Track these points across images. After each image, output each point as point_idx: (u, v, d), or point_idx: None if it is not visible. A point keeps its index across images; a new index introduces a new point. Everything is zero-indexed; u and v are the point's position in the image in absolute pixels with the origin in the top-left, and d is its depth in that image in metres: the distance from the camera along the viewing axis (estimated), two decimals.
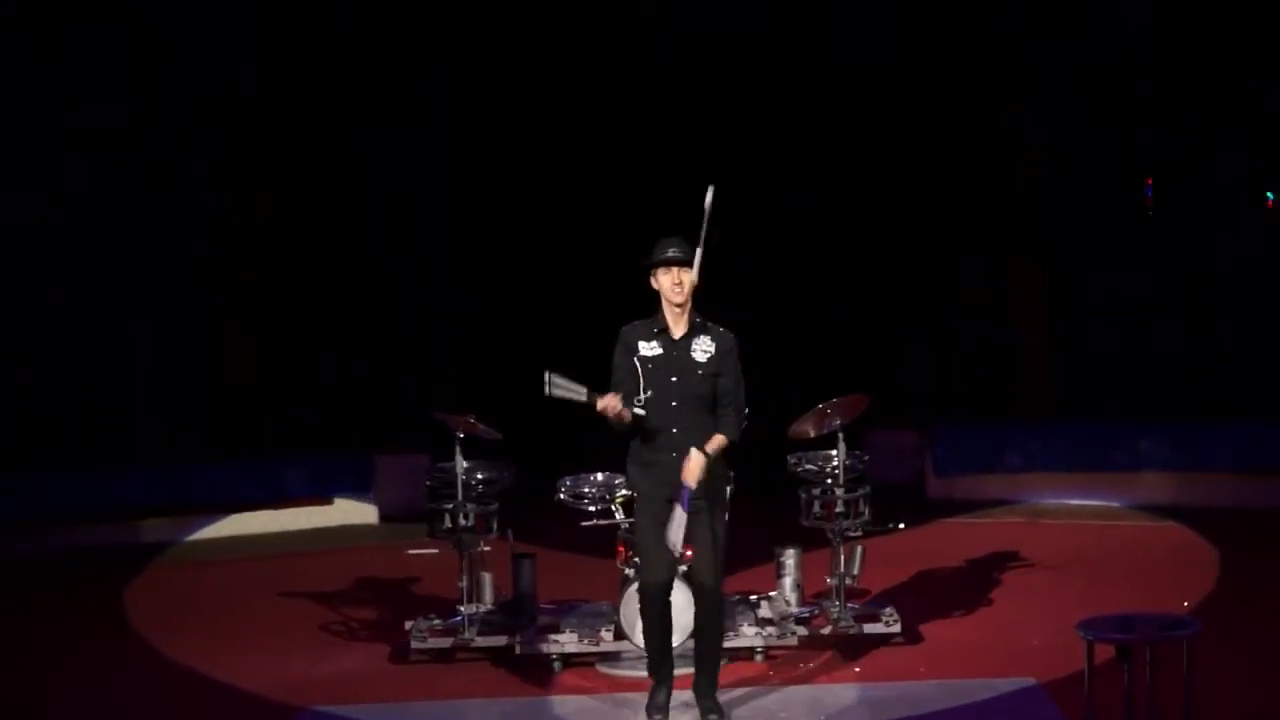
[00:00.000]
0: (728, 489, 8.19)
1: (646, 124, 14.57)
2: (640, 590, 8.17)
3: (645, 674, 8.54)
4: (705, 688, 8.10)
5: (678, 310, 7.97)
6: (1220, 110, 14.02)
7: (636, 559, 8.83)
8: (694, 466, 7.81)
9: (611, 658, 8.99)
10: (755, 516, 8.36)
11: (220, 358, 14.12)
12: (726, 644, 8.75)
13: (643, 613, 8.18)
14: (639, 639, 8.68)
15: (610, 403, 7.78)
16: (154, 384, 13.86)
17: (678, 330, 8.00)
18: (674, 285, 7.93)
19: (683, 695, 8.24)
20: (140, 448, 13.44)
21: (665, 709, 8.15)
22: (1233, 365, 13.95)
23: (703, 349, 7.98)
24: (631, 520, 8.97)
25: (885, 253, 14.68)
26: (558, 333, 13.76)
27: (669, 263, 7.95)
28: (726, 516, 8.11)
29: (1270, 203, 14.13)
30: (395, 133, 14.64)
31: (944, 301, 14.60)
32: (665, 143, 14.35)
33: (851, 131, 14.62)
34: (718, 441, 7.92)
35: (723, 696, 8.20)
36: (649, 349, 7.99)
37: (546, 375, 7.72)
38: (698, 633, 8.12)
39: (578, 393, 7.77)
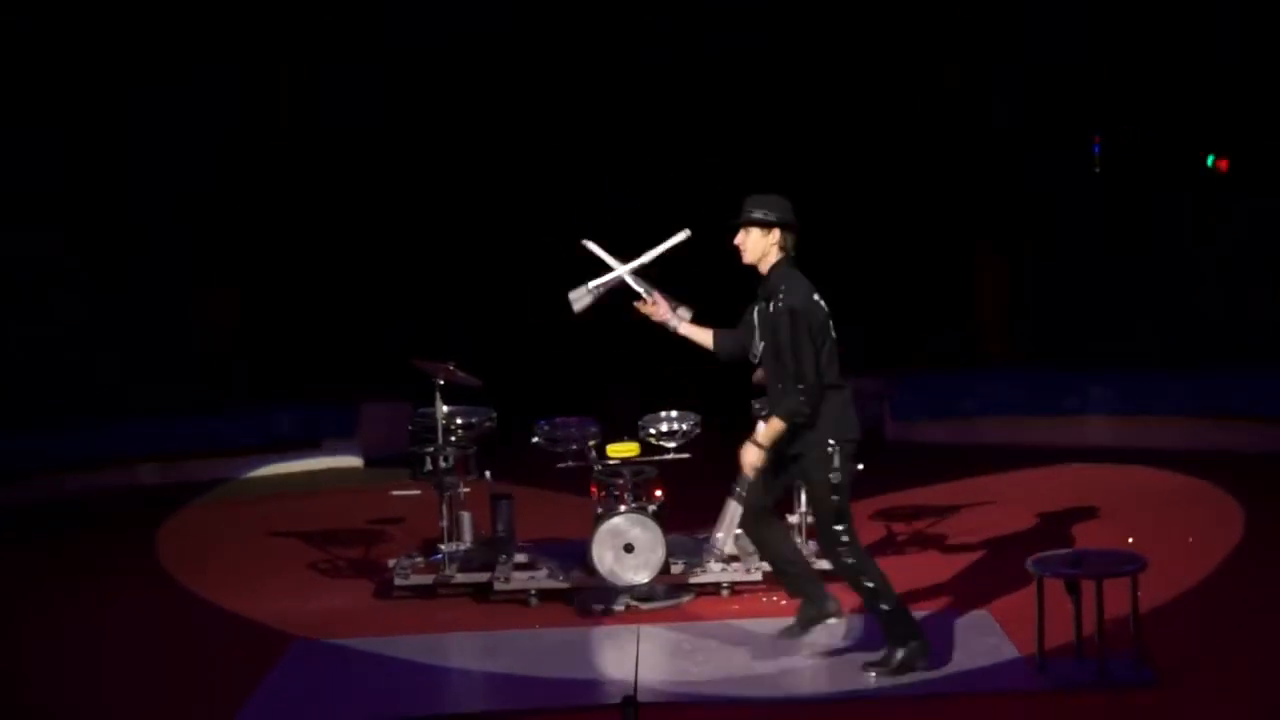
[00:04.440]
0: (828, 450, 7.68)
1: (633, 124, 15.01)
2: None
3: (618, 608, 8.88)
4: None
5: (757, 270, 7.87)
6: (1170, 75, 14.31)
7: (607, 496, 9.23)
8: (745, 457, 7.82)
9: (584, 593, 9.19)
10: (719, 457, 8.55)
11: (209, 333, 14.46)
12: (695, 580, 9.12)
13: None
14: (609, 575, 9.01)
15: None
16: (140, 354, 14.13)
17: (763, 291, 7.89)
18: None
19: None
20: (132, 398, 13.65)
21: (795, 629, 8.22)
22: (1189, 315, 14.17)
23: (763, 314, 7.84)
24: (605, 462, 9.34)
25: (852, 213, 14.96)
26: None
27: (736, 224, 7.83)
28: (833, 479, 7.69)
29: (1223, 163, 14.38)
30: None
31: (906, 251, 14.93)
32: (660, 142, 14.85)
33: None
34: (770, 429, 7.71)
35: (693, 630, 8.46)
36: (757, 306, 7.94)
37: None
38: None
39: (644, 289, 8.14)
